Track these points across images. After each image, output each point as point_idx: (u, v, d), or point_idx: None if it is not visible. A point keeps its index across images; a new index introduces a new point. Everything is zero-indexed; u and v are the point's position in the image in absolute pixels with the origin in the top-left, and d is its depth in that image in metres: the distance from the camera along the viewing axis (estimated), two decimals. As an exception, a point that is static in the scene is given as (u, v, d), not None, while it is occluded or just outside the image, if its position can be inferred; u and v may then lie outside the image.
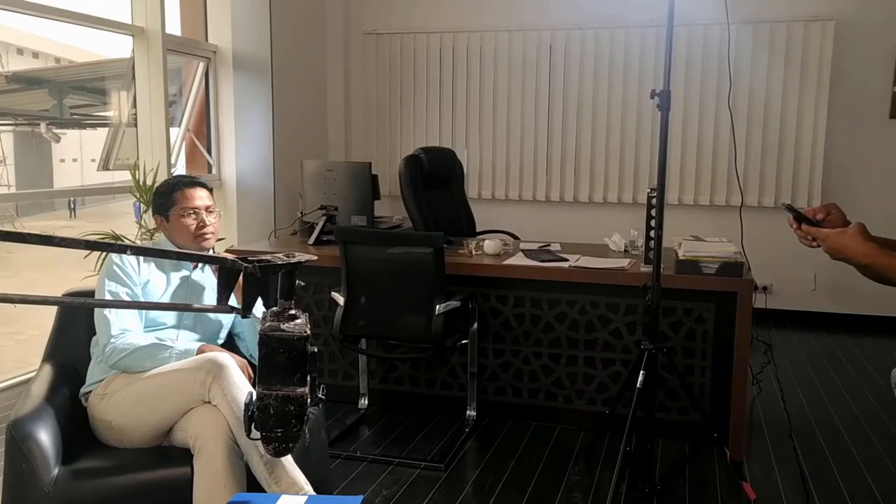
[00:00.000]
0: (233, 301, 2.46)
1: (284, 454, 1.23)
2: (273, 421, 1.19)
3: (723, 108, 5.39)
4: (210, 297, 2.55)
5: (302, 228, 4.24)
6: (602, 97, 5.70)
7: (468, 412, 3.64)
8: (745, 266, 3.28)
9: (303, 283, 1.26)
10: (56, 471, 2.12)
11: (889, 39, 5.16)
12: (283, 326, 1.19)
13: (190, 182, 2.56)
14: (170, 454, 2.24)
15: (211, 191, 2.61)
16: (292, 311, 1.22)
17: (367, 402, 3.81)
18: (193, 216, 2.52)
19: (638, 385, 2.83)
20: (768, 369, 3.93)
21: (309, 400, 1.21)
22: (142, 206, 4.34)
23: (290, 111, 5.50)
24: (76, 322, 2.54)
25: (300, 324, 1.20)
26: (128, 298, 2.37)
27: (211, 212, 2.57)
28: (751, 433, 3.49)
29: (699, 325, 3.36)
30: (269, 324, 1.20)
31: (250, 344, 2.53)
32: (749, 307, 3.20)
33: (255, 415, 1.19)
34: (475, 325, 3.56)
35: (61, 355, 2.51)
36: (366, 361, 3.78)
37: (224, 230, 5.16)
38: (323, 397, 1.30)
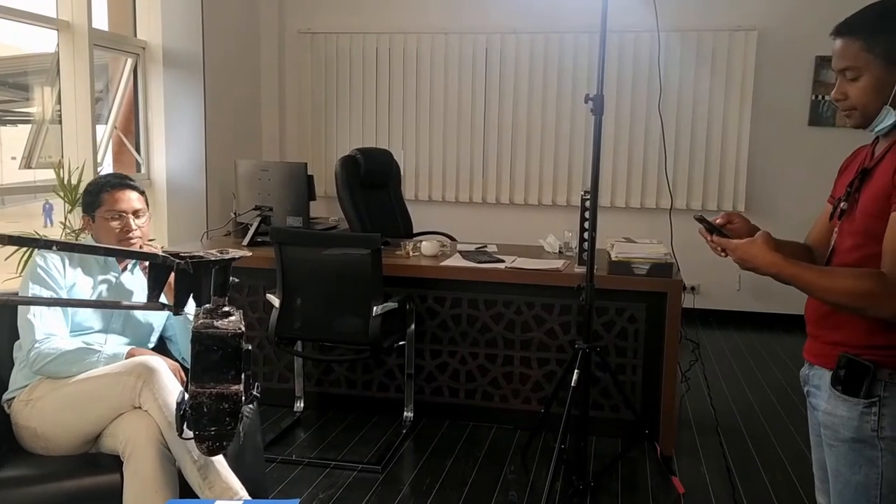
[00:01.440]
0: (163, 300, 2.39)
1: (218, 453, 1.21)
2: (207, 419, 1.16)
3: (653, 113, 5.53)
4: (140, 300, 2.49)
5: (236, 229, 4.16)
6: (537, 100, 5.78)
7: (405, 413, 3.64)
8: (674, 267, 3.38)
9: (237, 280, 1.23)
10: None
11: (809, 49, 5.39)
12: (217, 323, 1.17)
13: (119, 184, 2.46)
14: (98, 461, 2.17)
15: (143, 193, 2.53)
16: (226, 308, 1.20)
17: (302, 404, 3.77)
18: (119, 220, 2.44)
19: (572, 384, 2.89)
20: (696, 367, 4.06)
21: (244, 398, 1.19)
22: (65, 206, 4.20)
23: (223, 110, 5.39)
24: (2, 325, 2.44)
25: (234, 321, 1.18)
26: None
27: (139, 216, 2.48)
28: (680, 429, 3.60)
29: (631, 325, 3.45)
30: (202, 321, 1.17)
31: (182, 346, 2.48)
32: (678, 307, 3.30)
33: (188, 413, 1.17)
34: (412, 327, 3.56)
35: (-19, 361, 2.41)
36: (301, 364, 3.74)
37: (154, 230, 5.02)
38: (258, 395, 1.28)
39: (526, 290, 3.52)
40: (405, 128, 5.98)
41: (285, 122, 6.19)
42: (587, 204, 3.12)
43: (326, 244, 3.32)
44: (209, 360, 1.15)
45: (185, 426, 1.19)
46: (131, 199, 2.45)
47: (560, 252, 3.88)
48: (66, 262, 2.38)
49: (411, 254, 3.76)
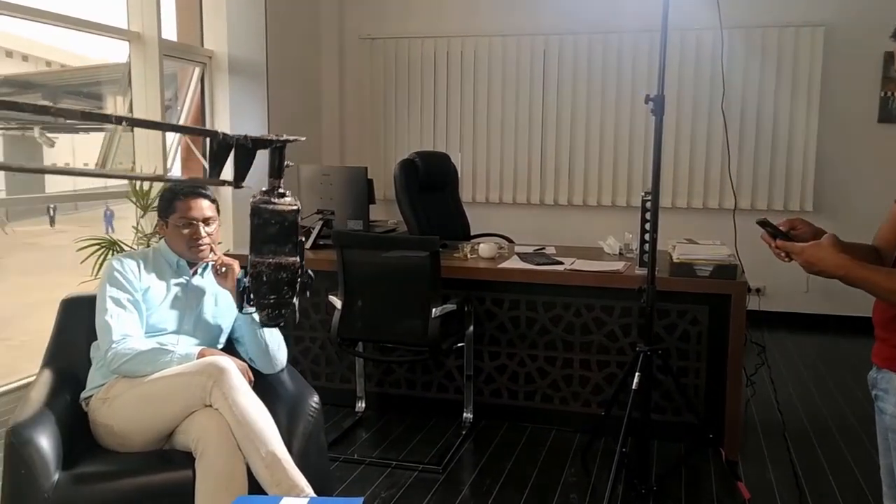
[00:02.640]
0: (230, 300, 2.44)
1: (278, 322, 1.26)
2: (266, 288, 1.22)
3: (716, 112, 5.43)
4: (210, 303, 2.57)
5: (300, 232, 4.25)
6: (596, 101, 5.74)
7: (465, 415, 3.66)
8: (738, 268, 3.32)
9: (291, 164, 1.28)
10: (56, 476, 2.13)
11: (876, 45, 5.20)
12: (274, 200, 1.22)
13: (191, 191, 2.53)
14: (171, 458, 2.25)
15: (214, 200, 2.59)
16: (282, 190, 1.25)
17: (364, 405, 3.83)
18: (190, 227, 2.50)
19: (633, 387, 2.86)
20: (762, 370, 3.96)
21: (301, 269, 1.24)
22: (137, 212, 4.35)
23: (285, 116, 5.51)
24: (75, 327, 2.55)
25: (290, 200, 1.24)
26: (131, 305, 2.38)
27: (209, 223, 2.53)
28: (745, 434, 3.53)
29: (693, 327, 3.40)
30: (260, 198, 1.23)
31: (250, 347, 2.55)
32: (743, 309, 3.24)
33: (248, 285, 1.23)
34: (471, 328, 3.58)
35: (61, 360, 2.52)
36: (363, 365, 3.80)
37: (221, 234, 5.16)
38: (312, 276, 1.32)
39: (585, 292, 3.50)
40: (462, 130, 6.01)
41: (345, 127, 6.29)
42: (648, 205, 3.09)
43: (386, 247, 3.37)
44: (267, 232, 1.20)
45: (245, 301, 1.25)
46: (202, 206, 2.52)
47: (620, 254, 3.84)
48: (142, 265, 2.47)
49: (469, 256, 3.78)
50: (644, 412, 2.95)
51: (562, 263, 3.61)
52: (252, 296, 1.24)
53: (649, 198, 3.02)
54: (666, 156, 5.41)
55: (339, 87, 6.21)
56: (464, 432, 3.55)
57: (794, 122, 5.43)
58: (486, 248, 3.80)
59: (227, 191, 5.24)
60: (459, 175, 5.05)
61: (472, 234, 4.81)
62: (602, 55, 5.69)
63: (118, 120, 1.33)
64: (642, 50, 5.59)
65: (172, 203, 2.52)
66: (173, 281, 2.52)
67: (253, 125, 5.27)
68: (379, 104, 6.16)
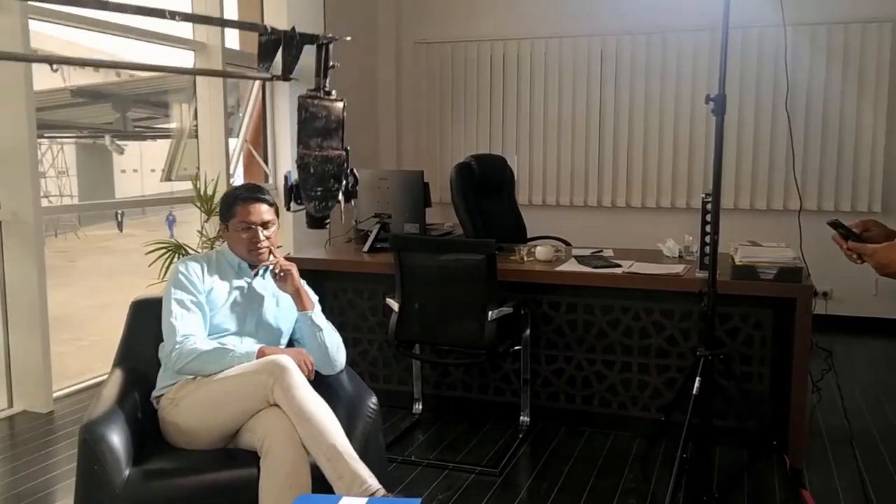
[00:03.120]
0: (291, 303, 2.48)
1: (324, 213, 1.28)
2: (313, 180, 1.25)
3: (779, 111, 5.30)
4: (271, 304, 2.63)
5: (357, 236, 4.31)
6: (654, 102, 5.67)
7: (521, 418, 3.65)
8: (804, 271, 3.23)
9: (337, 64, 1.31)
10: (127, 472, 2.20)
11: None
12: (321, 96, 1.25)
13: (250, 196, 2.58)
14: (236, 456, 2.31)
15: (273, 204, 2.64)
16: (328, 89, 1.27)
17: (420, 407, 3.86)
18: (249, 231, 2.55)
19: (694, 392, 2.81)
20: (829, 376, 3.85)
21: (346, 165, 1.26)
22: (202, 216, 4.47)
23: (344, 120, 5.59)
24: (145, 328, 2.64)
25: (337, 97, 1.26)
26: (194, 307, 2.46)
27: (268, 227, 2.58)
28: (810, 441, 3.43)
29: (757, 332, 3.32)
30: (307, 93, 1.25)
31: (310, 349, 2.60)
32: (808, 313, 3.15)
33: (295, 182, 1.25)
34: (527, 332, 3.57)
35: (130, 360, 2.61)
36: (419, 367, 3.83)
37: (280, 237, 5.26)
38: (357, 177, 1.33)
39: (644, 295, 3.46)
40: (518, 133, 6.00)
41: (402, 131, 6.35)
42: (709, 206, 3.03)
43: (443, 250, 3.39)
44: (314, 126, 1.23)
45: (292, 200, 1.27)
46: (261, 211, 2.57)
47: (680, 256, 3.78)
48: (205, 267, 2.55)
49: (525, 259, 3.77)
50: (705, 418, 2.90)
51: (620, 266, 3.58)
52: (299, 191, 1.26)
53: (710, 199, 2.97)
54: (727, 156, 5.31)
55: (395, 93, 6.27)
56: (520, 436, 3.54)
57: (861, 121, 5.26)
58: (542, 250, 3.79)
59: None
60: (515, 177, 5.04)
61: (528, 236, 4.79)
62: (661, 55, 5.61)
63: (171, 15, 1.37)
64: (702, 49, 5.49)
65: (232, 207, 2.59)
66: (235, 283, 2.59)
67: (312, 130, 5.35)
68: (435, 108, 6.20)
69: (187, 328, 2.42)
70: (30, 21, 3.64)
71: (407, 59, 6.25)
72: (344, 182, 1.27)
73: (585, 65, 5.79)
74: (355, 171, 1.30)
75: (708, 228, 3.04)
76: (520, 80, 5.95)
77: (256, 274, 2.63)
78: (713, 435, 2.99)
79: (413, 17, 6.20)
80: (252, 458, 2.23)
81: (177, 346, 2.38)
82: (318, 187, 1.23)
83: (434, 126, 6.23)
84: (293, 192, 1.27)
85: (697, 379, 2.82)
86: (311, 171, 1.22)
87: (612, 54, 5.72)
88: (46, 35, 4.37)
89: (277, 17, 5.19)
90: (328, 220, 1.31)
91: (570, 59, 5.81)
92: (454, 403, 3.86)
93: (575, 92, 5.83)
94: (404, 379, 3.91)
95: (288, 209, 1.28)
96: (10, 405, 3.83)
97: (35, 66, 3.80)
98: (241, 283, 2.60)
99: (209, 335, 2.50)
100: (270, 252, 2.60)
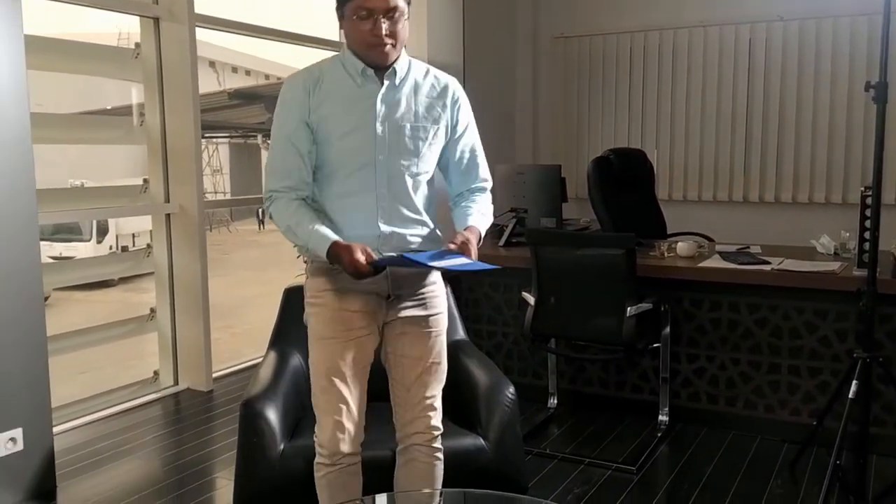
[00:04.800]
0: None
1: None
2: None
3: (951, 97, 4.87)
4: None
5: (492, 230, 4.35)
6: (807, 91, 5.35)
7: (660, 417, 3.57)
8: (978, 271, 2.97)
9: None
10: (282, 446, 2.36)
11: None
12: None
13: None
14: (379, 438, 2.41)
15: None
16: None
17: (556, 401, 3.85)
18: (369, 20, 1.91)
19: (850, 396, 2.66)
20: None
21: None
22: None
23: (481, 116, 5.62)
24: (296, 313, 2.79)
25: None
26: (292, 145, 1.99)
27: (393, 18, 1.93)
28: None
29: (922, 335, 3.09)
30: None
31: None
32: (984, 316, 2.90)
33: None
34: (667, 329, 3.49)
35: (283, 343, 2.79)
36: (555, 361, 3.83)
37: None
38: None
39: (795, 294, 3.30)
40: (659, 126, 5.85)
41: (538, 126, 6.34)
42: (868, 201, 2.85)
43: (581, 244, 3.38)
44: None
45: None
46: None
47: (835, 254, 3.57)
48: (321, 82, 2.01)
49: (666, 254, 3.69)
50: (862, 424, 2.73)
51: (769, 263, 3.42)
52: None
53: (870, 193, 2.79)
54: (889, 147, 4.93)
55: (532, 87, 6.27)
56: (659, 434, 3.47)
57: None
58: (684, 246, 3.69)
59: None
60: (655, 172, 4.92)
61: (668, 232, 4.67)
62: (815, 42, 5.29)
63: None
64: (860, 35, 5.13)
65: None
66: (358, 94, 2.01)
67: (450, 127, 5.46)
68: (572, 102, 6.15)
69: (278, 177, 1.99)
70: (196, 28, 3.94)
71: (545, 54, 6.23)
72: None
73: (732, 54, 5.54)
74: None
75: (867, 224, 2.86)
76: (661, 72, 5.78)
77: (384, 83, 2.00)
78: (870, 442, 2.82)
79: (551, 12, 6.17)
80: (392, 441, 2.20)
81: (266, 204, 2.04)
82: None
83: (571, 120, 6.18)
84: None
85: (854, 382, 2.66)
86: None
87: (762, 42, 5.45)
88: (202, 41, 4.72)
89: (418, 21, 5.32)
90: None
91: (716, 48, 5.59)
92: (590, 399, 3.83)
93: (720, 82, 5.60)
94: (539, 373, 3.93)
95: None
96: (176, 383, 4.18)
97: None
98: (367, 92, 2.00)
99: (332, 179, 2.03)
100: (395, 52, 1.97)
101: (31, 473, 2.88)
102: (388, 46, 1.95)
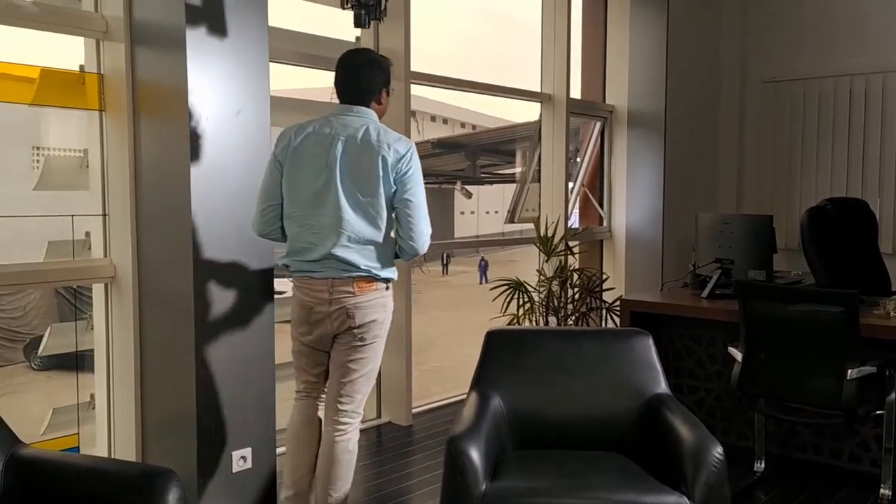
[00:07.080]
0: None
1: None
2: None
3: None
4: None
5: (694, 281, 4.23)
6: None
7: (882, 490, 3.25)
8: None
9: None
10: (484, 486, 2.43)
11: None
12: None
13: None
14: (589, 484, 2.41)
15: None
16: None
17: (763, 465, 3.63)
18: None
19: None
20: None
21: None
22: (541, 257, 4.75)
23: (681, 164, 5.55)
24: (497, 356, 2.89)
25: None
26: None
27: None
28: None
29: None
30: None
31: None
32: None
33: None
34: (893, 395, 3.19)
35: (485, 386, 2.88)
36: (763, 422, 3.62)
37: (613, 279, 5.38)
38: None
39: None
40: (883, 174, 5.40)
41: (744, 173, 6.08)
42: None
43: (796, 299, 3.20)
44: None
45: None
46: None
47: None
48: None
49: (892, 313, 3.39)
50: None
51: None
52: None
53: None
54: None
55: (737, 133, 6.04)
56: (881, 510, 3.17)
57: None
58: (913, 305, 3.38)
59: (620, 234, 5.43)
60: (879, 223, 4.55)
61: (893, 289, 4.29)
62: None
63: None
64: None
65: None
66: None
67: (648, 174, 5.41)
68: (782, 149, 5.85)
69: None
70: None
71: (752, 99, 5.99)
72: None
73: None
74: None
75: None
76: (886, 116, 5.36)
77: None
78: None
79: (760, 55, 5.94)
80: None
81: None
82: None
83: (781, 168, 5.87)
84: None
85: None
86: None
87: None
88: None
89: (619, 71, 5.36)
90: None
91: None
92: (801, 465, 3.58)
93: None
94: (744, 433, 3.73)
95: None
96: (379, 416, 4.41)
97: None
98: None
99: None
100: None
101: (256, 491, 3.16)
102: None
